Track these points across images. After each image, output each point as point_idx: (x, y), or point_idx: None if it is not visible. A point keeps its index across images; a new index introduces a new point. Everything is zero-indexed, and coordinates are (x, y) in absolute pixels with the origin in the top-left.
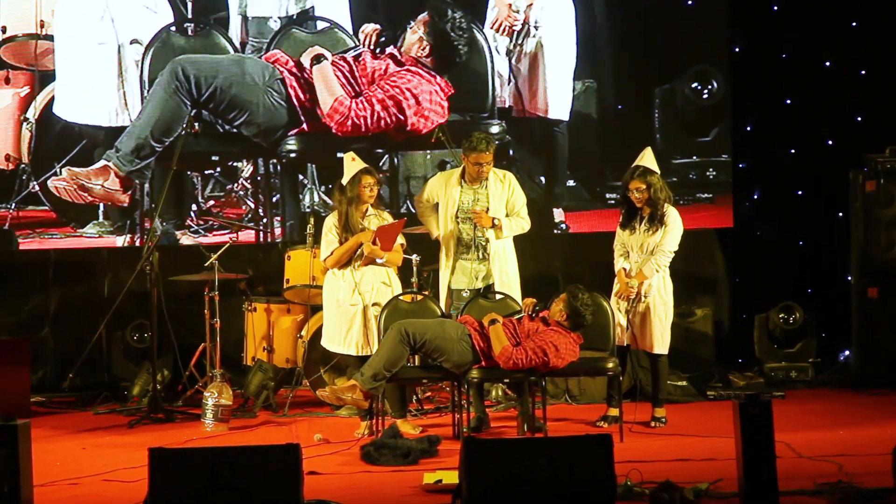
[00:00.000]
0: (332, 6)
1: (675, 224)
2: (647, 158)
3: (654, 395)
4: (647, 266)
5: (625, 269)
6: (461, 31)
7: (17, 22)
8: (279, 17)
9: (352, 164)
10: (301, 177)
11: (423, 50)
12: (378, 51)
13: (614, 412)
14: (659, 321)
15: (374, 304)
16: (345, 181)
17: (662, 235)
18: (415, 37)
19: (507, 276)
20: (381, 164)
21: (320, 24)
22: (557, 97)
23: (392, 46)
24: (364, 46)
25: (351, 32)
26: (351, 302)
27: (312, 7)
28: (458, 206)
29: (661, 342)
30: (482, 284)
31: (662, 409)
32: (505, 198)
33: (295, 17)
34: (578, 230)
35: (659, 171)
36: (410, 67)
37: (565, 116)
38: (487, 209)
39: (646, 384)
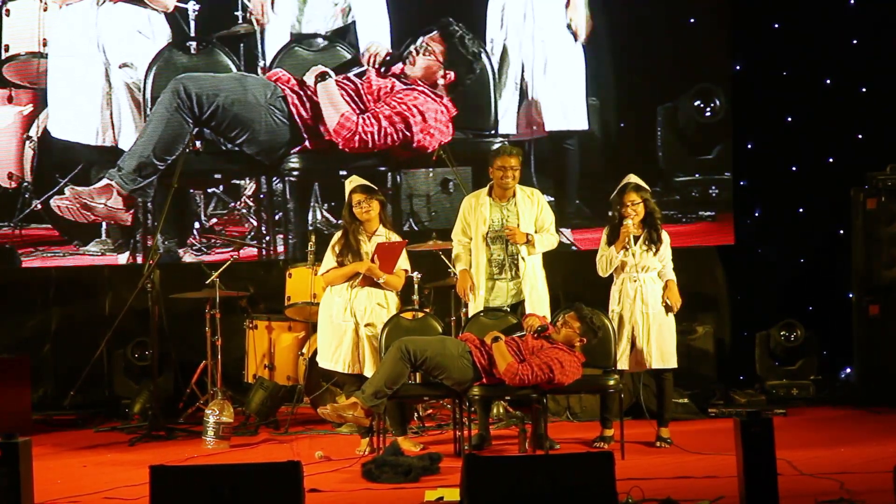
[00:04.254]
0: (372, 21)
1: (669, 242)
2: (635, 178)
3: (660, 415)
4: (670, 279)
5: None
6: (477, 58)
7: (20, 41)
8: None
9: (348, 186)
10: (304, 194)
11: (444, 78)
12: (384, 70)
13: (609, 432)
14: (668, 335)
15: (367, 325)
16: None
17: (664, 254)
18: (432, 63)
19: (537, 294)
20: (384, 182)
21: (321, 42)
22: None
23: (401, 63)
24: (368, 65)
25: (354, 48)
26: (343, 319)
27: (354, 22)
28: (488, 226)
29: (669, 357)
30: (514, 301)
31: (668, 428)
32: (534, 214)
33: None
34: (580, 248)
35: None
36: (416, 86)
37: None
38: (518, 226)
39: (648, 402)
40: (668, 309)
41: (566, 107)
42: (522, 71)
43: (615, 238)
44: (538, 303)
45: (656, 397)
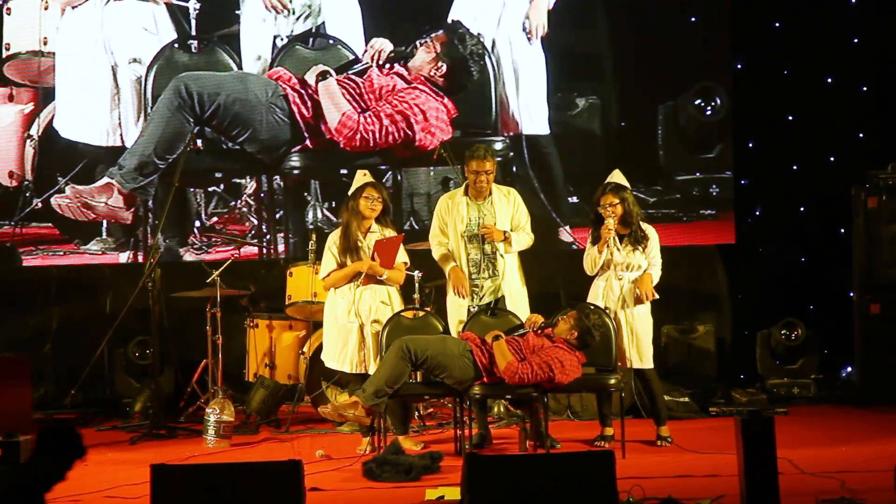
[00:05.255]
0: (342, 21)
1: (656, 239)
2: (617, 176)
3: (655, 413)
4: (652, 274)
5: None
6: (477, 57)
7: (21, 39)
8: (287, 36)
9: (362, 178)
10: (304, 193)
11: (437, 70)
12: (387, 67)
13: (609, 431)
14: (643, 336)
15: (373, 322)
16: (350, 193)
17: (651, 251)
18: (429, 56)
19: (515, 293)
20: (384, 180)
21: (323, 41)
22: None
23: (399, 64)
24: (372, 62)
25: (357, 48)
26: (348, 320)
27: (323, 23)
28: (465, 224)
29: (647, 357)
30: (492, 298)
31: (666, 426)
32: (510, 213)
33: (302, 34)
34: (581, 246)
35: (630, 188)
36: (418, 85)
37: (543, 131)
38: (494, 224)
39: (645, 401)
40: (636, 300)
41: (532, 109)
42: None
43: (598, 237)
44: (517, 300)
45: (647, 398)
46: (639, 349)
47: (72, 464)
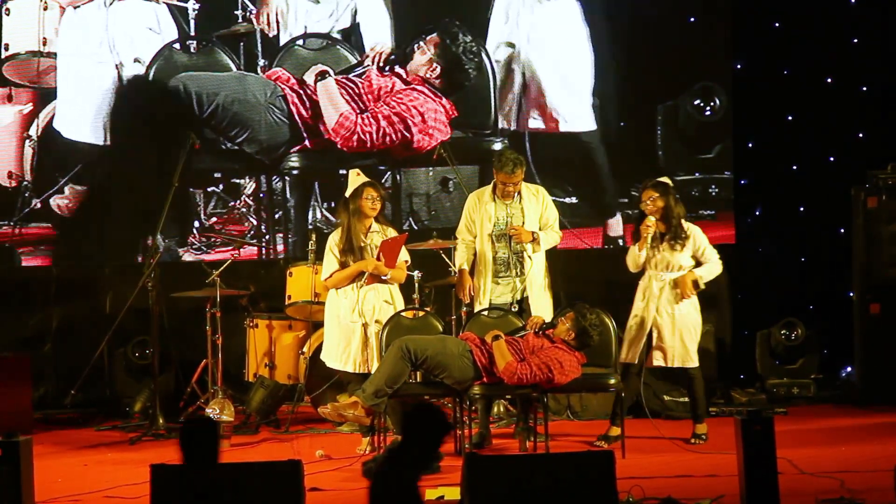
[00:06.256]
0: (375, 22)
1: (701, 235)
2: (663, 178)
3: (693, 413)
4: (706, 270)
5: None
6: (472, 55)
7: (20, 39)
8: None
9: (356, 178)
10: (304, 193)
11: (432, 71)
12: (387, 69)
13: (616, 431)
14: (690, 335)
15: (376, 321)
16: (348, 195)
17: (699, 248)
18: (424, 58)
19: (540, 293)
20: (383, 180)
21: (322, 42)
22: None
23: (399, 66)
24: (373, 64)
25: (358, 49)
26: (351, 319)
27: (358, 24)
28: (493, 224)
29: (690, 355)
30: (519, 298)
31: (704, 424)
32: (539, 212)
33: (339, 34)
34: (580, 246)
35: (673, 186)
36: (416, 86)
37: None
38: (523, 224)
39: (648, 400)
40: (678, 297)
41: (571, 107)
42: (526, 69)
43: (639, 235)
44: (540, 300)
45: (688, 396)
46: (682, 349)
47: (442, 440)
